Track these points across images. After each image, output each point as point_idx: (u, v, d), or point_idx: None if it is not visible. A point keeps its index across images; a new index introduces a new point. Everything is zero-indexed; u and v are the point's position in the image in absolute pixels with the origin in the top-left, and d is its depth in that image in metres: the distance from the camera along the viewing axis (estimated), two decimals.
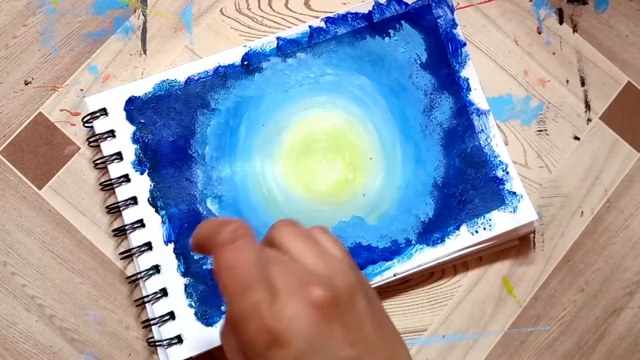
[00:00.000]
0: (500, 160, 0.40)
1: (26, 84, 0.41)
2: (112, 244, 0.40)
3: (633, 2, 0.44)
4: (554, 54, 0.43)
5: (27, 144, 0.40)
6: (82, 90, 0.41)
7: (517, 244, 0.41)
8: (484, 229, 0.39)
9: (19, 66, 0.41)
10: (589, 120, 0.43)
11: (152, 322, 0.38)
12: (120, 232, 0.39)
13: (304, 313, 0.24)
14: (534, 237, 0.41)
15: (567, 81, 0.43)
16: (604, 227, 0.42)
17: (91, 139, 0.39)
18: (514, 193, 0.40)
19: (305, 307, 0.25)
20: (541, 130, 0.42)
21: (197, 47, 0.42)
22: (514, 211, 0.39)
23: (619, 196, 0.42)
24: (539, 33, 0.43)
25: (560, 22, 0.43)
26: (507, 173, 0.40)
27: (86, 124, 0.40)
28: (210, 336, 0.37)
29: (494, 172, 0.40)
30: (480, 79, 0.41)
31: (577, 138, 0.42)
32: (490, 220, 0.39)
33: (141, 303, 0.38)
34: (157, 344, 0.37)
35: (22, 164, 0.40)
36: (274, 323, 0.24)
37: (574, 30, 0.43)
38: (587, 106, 0.43)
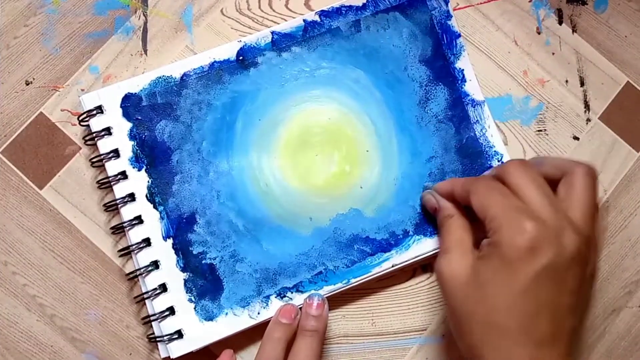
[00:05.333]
0: (495, 151, 0.40)
1: (27, 84, 0.41)
2: (113, 243, 0.40)
3: (632, 2, 0.44)
4: (553, 54, 0.43)
5: (28, 144, 0.40)
6: (83, 90, 0.41)
7: None
8: None
9: (20, 66, 0.41)
10: (589, 120, 0.43)
11: (152, 318, 0.38)
12: (119, 230, 0.39)
13: (548, 245, 0.29)
14: None
15: (567, 81, 0.43)
16: (603, 226, 0.42)
17: (87, 137, 0.39)
18: None
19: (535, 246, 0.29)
20: (540, 130, 0.42)
21: (198, 48, 0.42)
22: None
23: (618, 196, 0.42)
24: (539, 33, 0.43)
25: (560, 23, 0.43)
26: (503, 163, 0.40)
27: (82, 123, 0.40)
28: (211, 331, 0.38)
29: (489, 162, 0.40)
30: (479, 78, 0.41)
31: (576, 138, 0.42)
32: None
33: (141, 299, 0.38)
34: (157, 339, 0.37)
35: (23, 164, 0.40)
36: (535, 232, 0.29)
37: (574, 31, 0.43)
38: (587, 106, 0.43)
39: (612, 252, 0.41)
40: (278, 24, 0.42)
